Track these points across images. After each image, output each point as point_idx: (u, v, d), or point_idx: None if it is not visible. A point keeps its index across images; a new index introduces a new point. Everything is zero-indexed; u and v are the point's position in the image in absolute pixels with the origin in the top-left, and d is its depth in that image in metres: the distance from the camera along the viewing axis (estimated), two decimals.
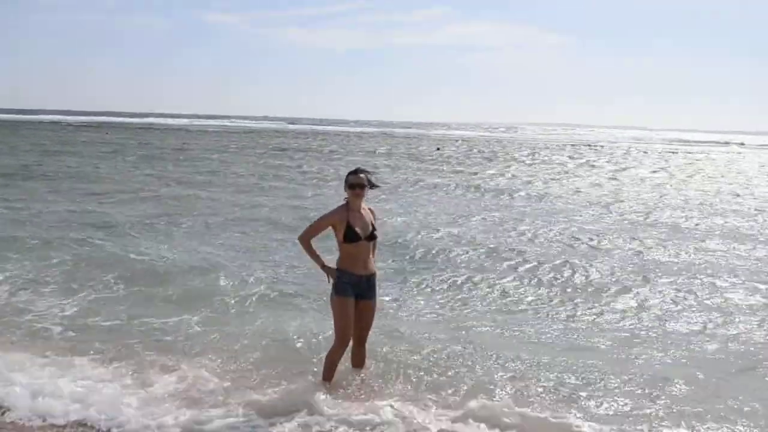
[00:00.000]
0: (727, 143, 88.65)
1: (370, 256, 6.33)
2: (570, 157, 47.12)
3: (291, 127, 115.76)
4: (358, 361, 6.63)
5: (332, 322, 6.34)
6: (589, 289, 10.44)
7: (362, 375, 6.64)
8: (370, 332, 6.59)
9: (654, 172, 36.06)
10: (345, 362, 6.58)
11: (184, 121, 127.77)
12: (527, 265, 11.83)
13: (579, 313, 9.26)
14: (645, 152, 58.08)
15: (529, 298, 9.97)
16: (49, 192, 20.22)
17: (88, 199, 18.94)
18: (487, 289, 10.34)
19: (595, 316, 9.15)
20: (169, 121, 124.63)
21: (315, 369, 6.79)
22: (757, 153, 63.89)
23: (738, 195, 24.97)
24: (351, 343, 6.40)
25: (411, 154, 46.80)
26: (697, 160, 49.42)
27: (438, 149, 54.17)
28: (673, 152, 59.55)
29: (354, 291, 6.21)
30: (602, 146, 68.89)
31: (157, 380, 6.62)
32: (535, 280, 10.96)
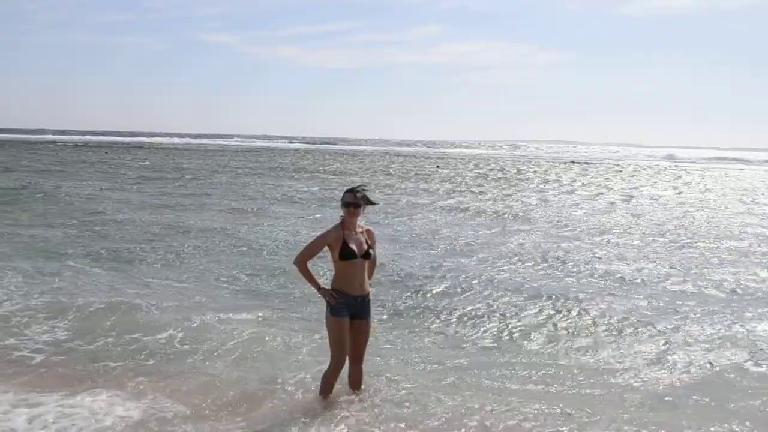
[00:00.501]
0: (736, 160, 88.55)
1: (365, 275, 6.32)
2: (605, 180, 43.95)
3: (291, 146, 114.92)
4: (355, 381, 6.59)
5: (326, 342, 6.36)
6: None
7: (359, 397, 6.57)
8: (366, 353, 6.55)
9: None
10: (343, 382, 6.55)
11: (185, 140, 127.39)
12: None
13: None
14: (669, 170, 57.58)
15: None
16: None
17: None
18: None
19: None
20: (172, 140, 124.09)
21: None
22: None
23: None
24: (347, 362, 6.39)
25: (430, 174, 45.01)
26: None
27: (438, 167, 54.30)
28: (688, 170, 58.87)
29: (349, 311, 6.21)
30: (622, 164, 68.43)
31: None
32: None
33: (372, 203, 6.32)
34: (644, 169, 60.12)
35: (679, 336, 9.05)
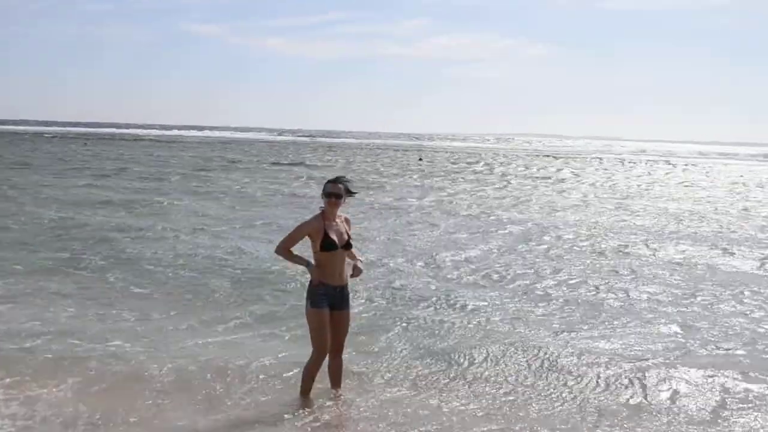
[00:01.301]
0: (733, 155, 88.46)
1: (345, 266, 6.26)
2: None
3: (279, 138, 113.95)
4: (335, 374, 6.52)
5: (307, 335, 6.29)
6: None
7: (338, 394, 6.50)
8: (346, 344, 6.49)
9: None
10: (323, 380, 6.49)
11: (174, 132, 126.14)
12: None
13: None
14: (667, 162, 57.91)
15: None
16: None
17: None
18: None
19: None
20: (154, 132, 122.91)
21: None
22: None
23: None
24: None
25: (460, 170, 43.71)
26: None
27: (420, 159, 54.20)
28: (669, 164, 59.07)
29: (329, 302, 6.15)
30: (625, 159, 68.14)
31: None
32: None
33: (352, 194, 6.29)
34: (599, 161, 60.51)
35: None
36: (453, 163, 50.81)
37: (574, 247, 15.07)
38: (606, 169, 48.54)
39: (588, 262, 13.41)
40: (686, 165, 58.69)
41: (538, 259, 13.47)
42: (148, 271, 11.61)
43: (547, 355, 7.79)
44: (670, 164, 59.29)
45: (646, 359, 7.77)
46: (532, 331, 8.75)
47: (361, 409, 6.30)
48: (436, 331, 8.68)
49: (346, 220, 6.34)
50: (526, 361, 7.66)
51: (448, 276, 11.83)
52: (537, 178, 37.92)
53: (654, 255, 14.40)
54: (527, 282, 11.47)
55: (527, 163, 55.19)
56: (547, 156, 69.07)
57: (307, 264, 6.16)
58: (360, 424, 6.02)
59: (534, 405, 6.50)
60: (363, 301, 9.91)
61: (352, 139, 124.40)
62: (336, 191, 6.14)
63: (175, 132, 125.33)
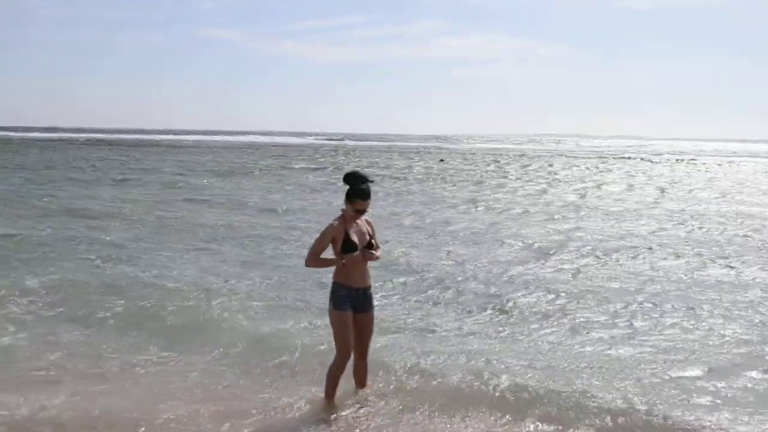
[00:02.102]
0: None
1: (366, 267, 6.19)
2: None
3: (305, 141, 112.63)
4: (361, 376, 6.48)
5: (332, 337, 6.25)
6: None
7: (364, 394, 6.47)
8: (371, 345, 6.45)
9: None
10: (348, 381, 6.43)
11: (196, 137, 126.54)
12: None
13: None
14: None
15: None
16: None
17: None
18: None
19: None
20: (172, 137, 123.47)
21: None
22: None
23: None
24: (352, 357, 6.27)
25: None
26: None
27: (441, 160, 53.82)
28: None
29: (351, 304, 6.10)
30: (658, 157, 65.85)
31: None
32: None
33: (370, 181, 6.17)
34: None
35: None
36: (551, 167, 45.39)
37: None
38: (699, 170, 46.69)
39: None
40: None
41: None
42: None
43: None
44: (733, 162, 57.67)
45: None
46: None
47: (385, 414, 6.21)
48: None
49: (369, 223, 6.25)
50: None
51: None
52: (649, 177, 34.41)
53: None
54: None
55: (607, 165, 49.47)
56: (601, 157, 64.61)
57: (338, 257, 6.02)
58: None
59: None
60: None
61: (378, 141, 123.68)
62: (365, 208, 6.04)
63: (202, 137, 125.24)
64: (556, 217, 19.68)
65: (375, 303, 6.39)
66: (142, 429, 5.86)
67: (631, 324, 8.97)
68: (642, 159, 62.70)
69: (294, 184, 30.13)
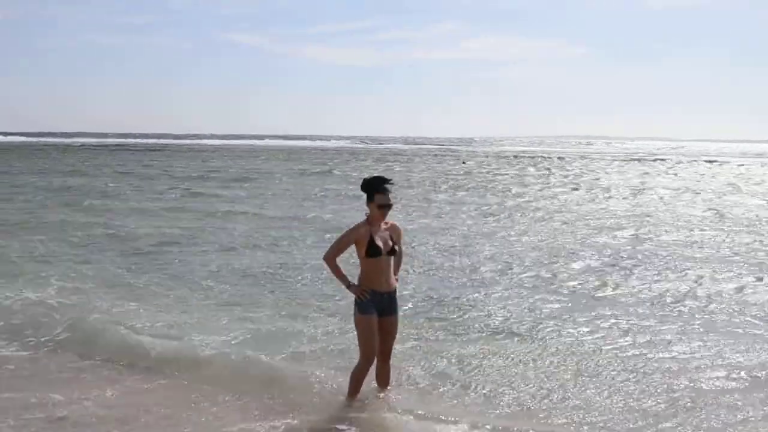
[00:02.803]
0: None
1: (392, 271, 6.27)
2: None
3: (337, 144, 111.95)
4: (383, 379, 6.57)
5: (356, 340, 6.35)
6: None
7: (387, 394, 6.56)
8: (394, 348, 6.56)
9: None
10: (371, 382, 6.53)
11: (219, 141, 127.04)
12: None
13: None
14: None
15: None
16: None
17: None
18: None
19: None
20: (204, 141, 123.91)
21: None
22: None
23: None
24: (375, 360, 6.37)
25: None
26: None
27: (464, 162, 53.30)
28: None
29: (376, 308, 6.18)
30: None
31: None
32: None
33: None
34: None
35: None
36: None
37: None
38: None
39: None
40: None
41: None
42: None
43: None
44: None
45: None
46: None
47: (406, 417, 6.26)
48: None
49: (393, 227, 6.31)
50: None
51: None
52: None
53: None
54: None
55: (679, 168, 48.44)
56: (651, 160, 62.01)
57: (348, 285, 6.15)
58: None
59: None
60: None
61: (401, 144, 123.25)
62: (388, 203, 6.11)
63: (238, 141, 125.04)
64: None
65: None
66: None
67: None
68: (709, 161, 60.95)
69: None
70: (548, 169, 48.79)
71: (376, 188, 6.08)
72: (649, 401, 6.59)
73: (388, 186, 6.09)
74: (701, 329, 8.88)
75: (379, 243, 6.10)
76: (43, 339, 8.52)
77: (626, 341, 8.40)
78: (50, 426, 6.08)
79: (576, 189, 31.33)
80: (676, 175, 42.72)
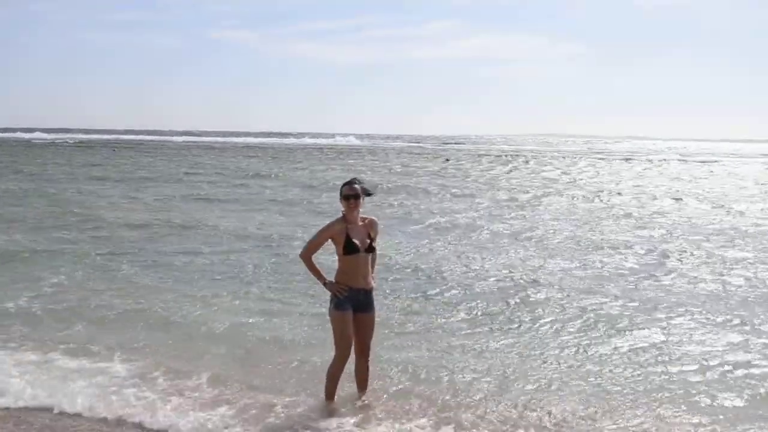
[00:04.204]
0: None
1: (369, 269, 6.21)
2: None
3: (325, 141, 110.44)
4: (362, 378, 6.47)
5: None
6: None
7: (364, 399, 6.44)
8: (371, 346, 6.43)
9: None
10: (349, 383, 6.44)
11: (213, 138, 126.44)
12: None
13: None
14: None
15: None
16: None
17: None
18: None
19: None
20: (197, 138, 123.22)
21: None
22: None
23: None
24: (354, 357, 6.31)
25: None
26: None
27: (447, 160, 52.86)
28: None
29: (352, 304, 6.11)
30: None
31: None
32: None
33: (369, 194, 6.21)
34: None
35: None
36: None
37: None
38: None
39: None
40: None
41: None
42: None
43: None
44: None
45: None
46: None
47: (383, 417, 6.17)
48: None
49: (371, 223, 6.25)
50: None
51: None
52: None
53: None
54: None
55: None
56: (701, 162, 57.56)
57: (324, 282, 6.13)
58: None
59: None
60: None
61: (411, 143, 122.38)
62: (353, 193, 6.07)
63: (251, 139, 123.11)
64: None
65: None
66: None
67: None
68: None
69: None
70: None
71: (345, 183, 6.17)
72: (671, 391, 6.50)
73: (356, 183, 6.11)
74: None
75: (356, 240, 6.07)
76: None
77: None
78: None
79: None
80: None
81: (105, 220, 17.67)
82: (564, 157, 60.47)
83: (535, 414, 6.27)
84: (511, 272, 11.90)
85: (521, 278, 11.42)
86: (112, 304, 9.70)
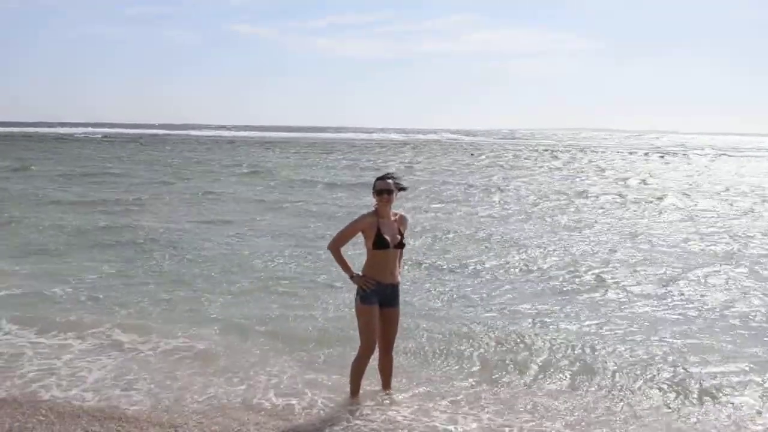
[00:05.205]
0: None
1: (397, 265, 6.19)
2: None
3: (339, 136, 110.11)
4: (386, 374, 6.46)
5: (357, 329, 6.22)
6: None
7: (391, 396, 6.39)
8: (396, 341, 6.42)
9: None
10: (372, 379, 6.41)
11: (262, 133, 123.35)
12: None
13: None
14: None
15: None
16: None
17: None
18: None
19: None
20: (224, 133, 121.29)
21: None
22: None
23: None
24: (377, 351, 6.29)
25: None
26: None
27: (472, 154, 52.59)
28: None
29: (378, 299, 6.08)
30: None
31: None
32: None
33: (403, 189, 6.19)
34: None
35: None
36: None
37: None
38: None
39: None
40: None
41: None
42: None
43: None
44: None
45: None
46: None
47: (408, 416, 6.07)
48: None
49: (401, 219, 6.23)
50: None
51: None
52: None
53: None
54: None
55: None
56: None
57: (351, 275, 6.11)
58: None
59: None
60: None
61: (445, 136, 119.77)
62: (386, 188, 6.06)
63: (266, 134, 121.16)
64: None
65: None
66: None
67: None
68: None
69: None
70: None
71: (378, 178, 6.18)
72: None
73: (390, 177, 6.13)
74: None
75: (387, 236, 6.04)
76: None
77: None
78: None
79: None
80: None
81: None
82: (629, 153, 59.73)
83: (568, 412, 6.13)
84: None
85: None
86: None
